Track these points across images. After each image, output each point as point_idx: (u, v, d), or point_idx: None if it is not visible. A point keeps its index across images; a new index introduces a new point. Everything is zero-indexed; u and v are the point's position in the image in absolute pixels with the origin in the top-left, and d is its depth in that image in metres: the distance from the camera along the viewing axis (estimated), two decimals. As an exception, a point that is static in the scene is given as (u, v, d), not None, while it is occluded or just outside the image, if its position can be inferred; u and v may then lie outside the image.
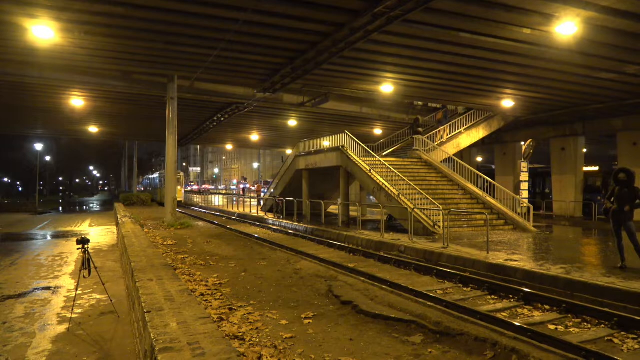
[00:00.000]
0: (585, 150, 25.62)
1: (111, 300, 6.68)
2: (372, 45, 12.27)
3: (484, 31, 11.13)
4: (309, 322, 6.35)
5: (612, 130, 22.31)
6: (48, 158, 60.79)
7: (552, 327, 6.22)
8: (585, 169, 24.07)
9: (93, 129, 30.87)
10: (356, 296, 7.64)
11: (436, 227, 13.91)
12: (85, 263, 6.47)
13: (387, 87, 17.36)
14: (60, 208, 45.46)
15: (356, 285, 8.48)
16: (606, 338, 5.74)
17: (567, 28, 10.39)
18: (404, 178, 15.92)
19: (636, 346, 5.49)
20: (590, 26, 10.51)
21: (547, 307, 7.07)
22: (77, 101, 20.63)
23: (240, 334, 5.65)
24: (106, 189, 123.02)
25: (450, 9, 9.91)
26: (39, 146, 40.46)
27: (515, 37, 11.45)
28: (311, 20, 10.91)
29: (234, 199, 34.63)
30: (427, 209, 14.37)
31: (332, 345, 5.51)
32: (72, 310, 6.35)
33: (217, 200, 38.34)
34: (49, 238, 16.41)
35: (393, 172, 16.29)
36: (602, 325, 6.18)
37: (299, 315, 6.65)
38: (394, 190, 15.47)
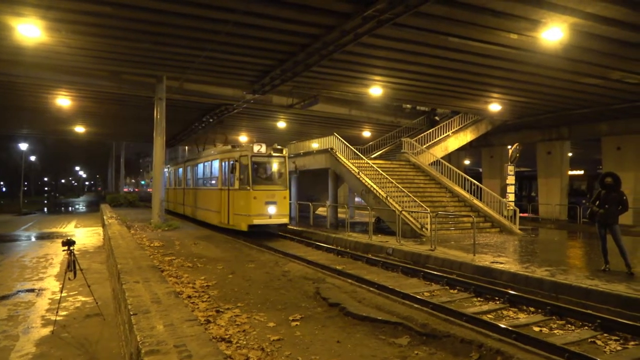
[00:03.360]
0: (570, 154, 26.02)
1: (97, 303, 6.62)
2: (361, 48, 12.32)
3: (472, 35, 11.24)
4: (297, 324, 6.35)
5: (597, 134, 22.67)
6: (33, 158, 59.91)
7: (536, 329, 6.30)
8: (571, 172, 24.46)
9: (80, 129, 30.52)
10: (344, 298, 7.66)
11: (424, 229, 13.99)
12: (71, 265, 6.40)
13: (376, 90, 17.44)
14: (46, 209, 44.85)
15: (344, 287, 8.50)
16: (589, 340, 5.83)
17: (554, 34, 10.55)
18: (392, 180, 16.01)
19: (618, 348, 5.58)
20: (576, 32, 10.67)
21: (532, 309, 7.17)
22: (63, 101, 20.39)
23: (228, 337, 5.63)
24: (92, 189, 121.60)
25: (439, 13, 9.99)
26: (23, 146, 39.87)
27: (502, 41, 11.58)
28: (301, 22, 10.92)
29: None
30: (414, 212, 14.45)
31: (319, 347, 5.52)
32: (57, 312, 6.27)
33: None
34: (33, 239, 16.18)
35: (381, 174, 16.37)
36: (586, 327, 6.28)
37: (287, 317, 6.64)
38: (382, 193, 15.54)
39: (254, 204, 15.33)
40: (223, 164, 17.21)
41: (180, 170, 25.47)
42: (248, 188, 15.45)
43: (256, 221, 15.32)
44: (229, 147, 17.68)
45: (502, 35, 11.12)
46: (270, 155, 16.38)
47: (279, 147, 16.71)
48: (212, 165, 19.17)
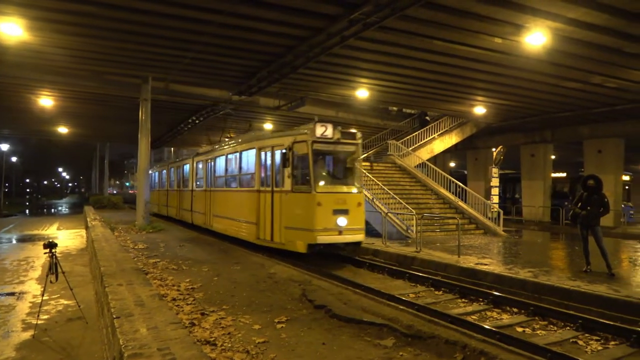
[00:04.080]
0: (553, 156, 26.44)
1: (79, 306, 6.52)
2: (348, 51, 12.38)
3: (457, 39, 11.37)
4: (282, 327, 6.33)
5: (579, 137, 23.09)
6: (14, 159, 58.97)
7: (519, 329, 6.38)
8: (554, 175, 24.83)
9: (63, 130, 30.06)
10: (330, 300, 7.65)
11: (409, 231, 14.07)
12: (53, 267, 6.31)
13: (362, 92, 17.52)
14: (27, 211, 44.11)
15: (330, 290, 8.49)
16: (571, 340, 5.92)
17: (537, 38, 10.72)
18: (378, 182, 16.08)
19: (599, 348, 5.68)
20: (558, 37, 10.86)
21: (515, 309, 7.25)
22: (46, 101, 20.07)
23: (212, 339, 5.59)
24: (76, 191, 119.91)
25: (425, 17, 10.09)
26: (4, 146, 39.19)
27: (487, 45, 11.73)
28: (288, 24, 10.93)
29: None
30: (400, 214, 14.53)
31: (304, 350, 5.51)
32: (38, 316, 6.17)
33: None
34: (14, 242, 15.89)
35: (367, 176, 16.42)
36: (568, 328, 6.37)
37: (272, 319, 6.62)
38: (368, 195, 15.58)
39: (319, 213, 10.35)
40: (263, 154, 12.07)
41: (187, 167, 20.18)
42: (309, 190, 10.49)
43: (321, 238, 10.35)
44: (269, 131, 12.14)
45: (487, 39, 11.27)
46: (338, 142, 10.96)
47: (349, 130, 11.37)
48: (242, 158, 13.58)
